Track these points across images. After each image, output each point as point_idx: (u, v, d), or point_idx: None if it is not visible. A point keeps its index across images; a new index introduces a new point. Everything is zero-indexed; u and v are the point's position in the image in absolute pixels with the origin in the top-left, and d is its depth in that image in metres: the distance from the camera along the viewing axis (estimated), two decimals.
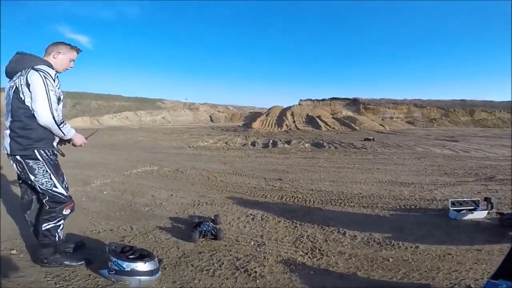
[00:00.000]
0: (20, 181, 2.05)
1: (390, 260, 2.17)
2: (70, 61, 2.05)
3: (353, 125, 20.74)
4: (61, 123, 1.88)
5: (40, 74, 1.77)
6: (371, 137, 13.01)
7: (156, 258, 1.88)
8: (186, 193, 4.14)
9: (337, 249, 2.39)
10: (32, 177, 1.87)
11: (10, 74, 1.88)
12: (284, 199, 3.95)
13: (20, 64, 1.85)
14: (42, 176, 1.88)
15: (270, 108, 29.12)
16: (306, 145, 11.31)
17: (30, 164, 1.86)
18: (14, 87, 1.80)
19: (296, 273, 1.98)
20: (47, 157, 1.90)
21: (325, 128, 20.10)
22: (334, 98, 33.66)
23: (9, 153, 1.85)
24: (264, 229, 2.84)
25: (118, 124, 22.16)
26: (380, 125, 22.47)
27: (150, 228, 2.81)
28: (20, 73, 1.81)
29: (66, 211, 2.00)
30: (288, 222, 3.03)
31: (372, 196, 4.02)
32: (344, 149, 9.90)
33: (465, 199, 3.32)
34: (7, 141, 1.84)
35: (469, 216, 3.04)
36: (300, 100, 32.86)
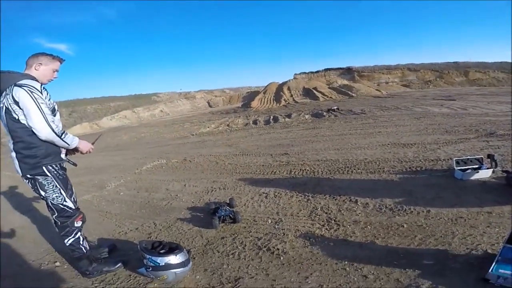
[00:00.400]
0: None
1: (405, 226, 2.26)
2: (54, 71, 2.00)
3: (350, 92, 20.47)
4: (62, 134, 1.87)
5: (25, 89, 1.73)
6: (335, 107, 12.45)
7: (185, 249, 2.01)
8: (198, 181, 4.26)
9: (351, 218, 2.51)
10: (43, 193, 1.92)
11: None
12: (292, 173, 4.06)
13: (2, 83, 1.79)
14: (52, 191, 1.93)
15: (267, 85, 28.66)
16: (306, 116, 11.32)
17: (40, 181, 1.90)
18: (4, 107, 1.77)
19: (316, 246, 2.11)
20: (55, 172, 1.94)
21: (323, 98, 19.88)
22: (328, 68, 32.89)
23: (21, 174, 1.90)
24: (278, 206, 2.97)
25: (118, 124, 22.07)
26: (377, 90, 22.12)
27: (172, 221, 2.95)
28: (5, 92, 1.77)
29: (77, 223, 2.05)
30: (301, 196, 3.15)
31: (378, 161, 4.10)
32: (344, 116, 9.91)
33: (469, 157, 3.31)
34: (16, 163, 1.88)
35: (475, 176, 3.03)
36: (295, 74, 32.20)
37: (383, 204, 2.70)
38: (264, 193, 3.40)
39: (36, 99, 1.74)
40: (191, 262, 1.98)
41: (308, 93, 22.84)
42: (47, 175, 1.90)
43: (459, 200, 2.62)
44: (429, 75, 29.93)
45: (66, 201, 1.98)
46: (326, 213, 2.67)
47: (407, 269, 1.71)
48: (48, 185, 1.91)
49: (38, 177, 1.89)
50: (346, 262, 1.87)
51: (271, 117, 12.50)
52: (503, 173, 2.98)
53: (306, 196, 3.12)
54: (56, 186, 1.93)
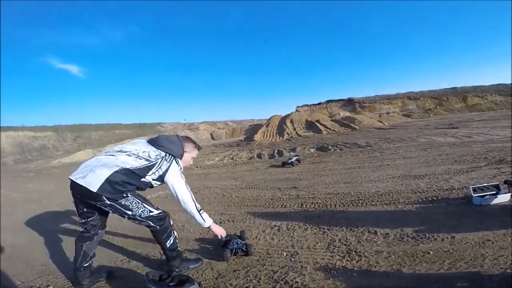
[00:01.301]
0: (86, 219, 2.14)
1: (431, 253, 2.16)
2: (192, 159, 2.38)
3: (352, 124, 20.81)
4: (200, 210, 2.21)
5: (178, 167, 2.12)
6: (294, 158, 12.82)
7: (196, 282, 1.88)
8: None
9: (373, 248, 2.37)
10: (129, 213, 2.02)
11: (157, 142, 2.14)
12: (304, 206, 3.94)
13: (170, 144, 2.15)
14: (137, 208, 2.03)
15: (269, 118, 29.26)
16: (312, 150, 11.33)
17: (122, 203, 1.99)
18: (152, 162, 2.04)
19: (339, 277, 1.96)
20: (132, 192, 2.07)
21: (326, 131, 20.14)
22: (329, 100, 33.96)
23: (95, 191, 1.89)
24: (293, 239, 2.82)
25: None
26: (379, 121, 22.55)
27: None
28: (165, 154, 2.10)
29: (171, 221, 2.24)
30: (316, 229, 3.01)
31: (391, 193, 4.01)
32: (350, 150, 9.90)
33: (485, 184, 3.31)
34: (99, 179, 1.90)
35: (494, 201, 3.03)
36: (297, 106, 33.13)
37: (404, 234, 2.58)
38: (276, 226, 3.25)
39: (183, 177, 2.12)
40: None
41: (311, 126, 23.16)
42: (128, 196, 2.01)
43: (482, 224, 2.54)
44: (429, 103, 30.64)
45: (152, 211, 2.10)
46: (345, 244, 2.53)
47: None
48: (131, 204, 2.02)
49: (121, 201, 1.99)
50: None
51: (276, 151, 12.53)
52: None
53: (322, 229, 2.98)
54: (138, 202, 2.05)
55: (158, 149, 2.10)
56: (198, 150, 2.45)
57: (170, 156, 2.11)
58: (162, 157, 2.08)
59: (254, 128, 29.30)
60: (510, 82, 29.96)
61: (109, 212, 2.12)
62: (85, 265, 2.16)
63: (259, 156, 11.79)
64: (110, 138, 25.15)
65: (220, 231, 2.41)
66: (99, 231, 2.21)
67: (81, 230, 2.22)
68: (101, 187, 1.87)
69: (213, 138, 30.74)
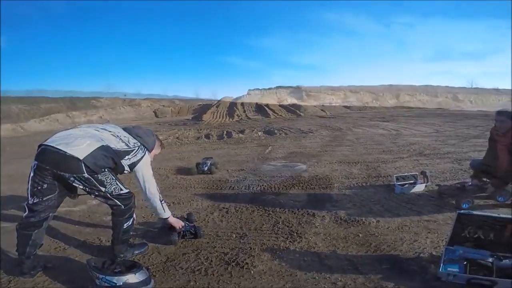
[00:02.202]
0: (40, 199, 1.92)
1: (360, 235, 2.48)
2: (154, 155, 2.44)
3: (298, 111, 21.87)
4: (162, 201, 2.30)
5: (149, 159, 2.26)
6: None
7: (144, 268, 1.83)
8: None
9: (311, 230, 2.63)
10: (102, 189, 1.98)
11: (135, 132, 2.23)
12: (251, 188, 4.09)
13: (146, 136, 2.28)
14: (110, 184, 2.01)
15: (220, 100, 28.74)
16: (259, 133, 11.61)
17: (99, 178, 1.96)
18: (131, 148, 2.11)
19: (283, 258, 2.14)
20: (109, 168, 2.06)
21: (273, 115, 20.78)
22: (279, 86, 34.83)
23: (81, 159, 1.86)
24: (241, 221, 2.93)
25: (47, 128, 19.15)
26: (322, 110, 24.18)
27: None
28: (140, 144, 2.18)
29: (135, 202, 2.25)
30: (262, 210, 3.17)
31: (328, 178, 4.41)
32: (294, 135, 10.47)
33: (406, 174, 3.91)
34: (86, 149, 1.89)
35: (412, 190, 3.58)
36: (249, 90, 33.15)
37: (338, 216, 2.91)
38: (224, 208, 3.32)
39: (151, 169, 2.26)
40: (152, 281, 1.81)
41: (260, 109, 23.59)
42: (105, 172, 2.00)
43: (402, 211, 3.01)
44: (367, 97, 34.01)
45: (122, 189, 2.09)
46: (288, 226, 2.73)
47: (370, 274, 1.86)
48: (106, 179, 1.99)
49: (97, 175, 1.95)
50: (314, 272, 1.94)
51: (225, 132, 12.48)
52: (435, 187, 3.54)
53: (267, 211, 3.15)
54: (112, 179, 2.03)
55: (135, 138, 2.17)
56: (162, 149, 2.57)
57: (144, 147, 2.20)
58: (138, 146, 2.16)
59: (204, 108, 28.42)
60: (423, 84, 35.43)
61: (72, 191, 2.08)
62: (34, 253, 2.03)
63: (207, 136, 11.59)
64: (34, 113, 21.44)
65: (178, 224, 2.44)
66: (50, 214, 2.04)
67: (25, 215, 1.96)
68: (86, 157, 1.85)
69: (156, 116, 28.84)
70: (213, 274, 1.97)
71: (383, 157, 5.78)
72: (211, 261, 2.15)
